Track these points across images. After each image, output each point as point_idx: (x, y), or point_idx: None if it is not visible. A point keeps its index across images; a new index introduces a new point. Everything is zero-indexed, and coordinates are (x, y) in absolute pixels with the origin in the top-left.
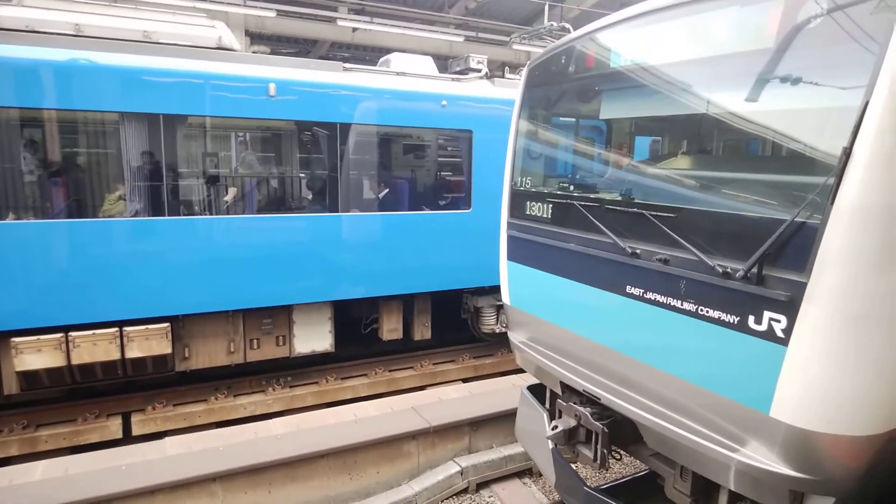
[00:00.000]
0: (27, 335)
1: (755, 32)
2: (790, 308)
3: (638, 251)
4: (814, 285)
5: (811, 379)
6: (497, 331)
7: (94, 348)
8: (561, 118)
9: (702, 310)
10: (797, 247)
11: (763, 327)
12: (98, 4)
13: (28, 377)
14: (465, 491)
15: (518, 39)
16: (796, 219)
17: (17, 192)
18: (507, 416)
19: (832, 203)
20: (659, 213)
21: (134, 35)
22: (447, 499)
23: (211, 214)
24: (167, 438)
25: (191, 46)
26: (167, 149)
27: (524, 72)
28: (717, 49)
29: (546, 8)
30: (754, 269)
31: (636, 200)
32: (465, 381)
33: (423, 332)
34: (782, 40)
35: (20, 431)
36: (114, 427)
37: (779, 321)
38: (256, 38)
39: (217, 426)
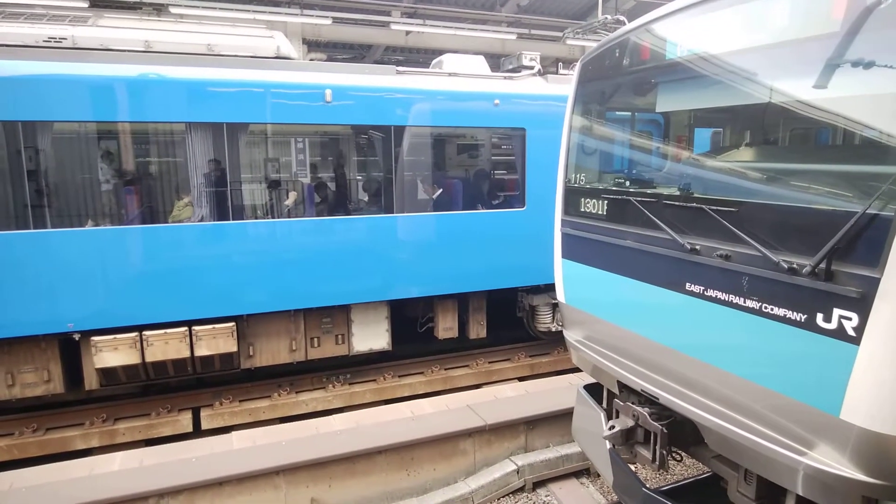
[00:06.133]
0: (105, 335)
1: (821, 16)
2: (862, 305)
3: (697, 247)
4: (887, 280)
5: (885, 379)
6: (553, 329)
7: (166, 346)
8: (616, 112)
9: (766, 307)
10: (869, 240)
11: (832, 325)
12: (165, 21)
13: (107, 374)
14: (521, 489)
15: (571, 34)
16: (868, 210)
17: (96, 200)
18: (564, 416)
19: None
20: (719, 208)
21: (198, 49)
22: (503, 497)
23: (272, 218)
24: (234, 433)
25: (251, 57)
26: (230, 156)
27: (577, 67)
28: (779, 35)
29: (600, 1)
30: (822, 265)
31: (695, 195)
32: (520, 379)
33: (478, 330)
34: (851, 23)
35: (100, 425)
36: (185, 421)
37: (849, 319)
38: (313, 45)
39: (280, 421)
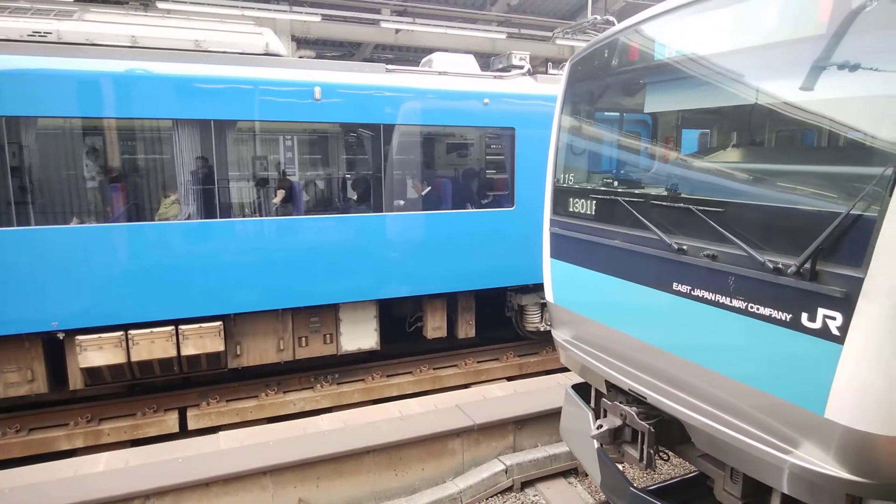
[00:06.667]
0: (90, 334)
1: (807, 19)
2: (846, 305)
3: (685, 247)
4: (871, 280)
5: (868, 378)
6: (541, 329)
7: (152, 346)
8: (605, 113)
9: (752, 307)
10: (853, 240)
11: (817, 325)
12: (153, 16)
13: (91, 373)
14: (509, 489)
15: (561, 34)
16: (852, 211)
17: (81, 197)
18: (552, 415)
19: (890, 194)
20: (706, 208)
21: (186, 45)
22: (492, 497)
23: (260, 216)
24: (221, 433)
25: (240, 53)
26: (218, 153)
27: (566, 67)
28: (766, 37)
29: (589, 1)
30: (807, 265)
31: (682, 195)
32: (509, 379)
33: (467, 330)
34: (838, 26)
35: (85, 425)
36: (171, 421)
37: (833, 318)
38: (302, 42)
39: (268, 421)
